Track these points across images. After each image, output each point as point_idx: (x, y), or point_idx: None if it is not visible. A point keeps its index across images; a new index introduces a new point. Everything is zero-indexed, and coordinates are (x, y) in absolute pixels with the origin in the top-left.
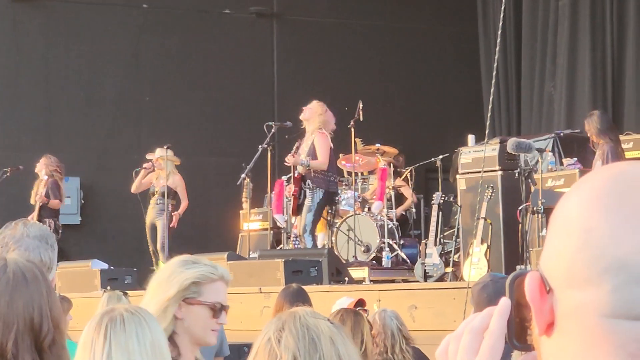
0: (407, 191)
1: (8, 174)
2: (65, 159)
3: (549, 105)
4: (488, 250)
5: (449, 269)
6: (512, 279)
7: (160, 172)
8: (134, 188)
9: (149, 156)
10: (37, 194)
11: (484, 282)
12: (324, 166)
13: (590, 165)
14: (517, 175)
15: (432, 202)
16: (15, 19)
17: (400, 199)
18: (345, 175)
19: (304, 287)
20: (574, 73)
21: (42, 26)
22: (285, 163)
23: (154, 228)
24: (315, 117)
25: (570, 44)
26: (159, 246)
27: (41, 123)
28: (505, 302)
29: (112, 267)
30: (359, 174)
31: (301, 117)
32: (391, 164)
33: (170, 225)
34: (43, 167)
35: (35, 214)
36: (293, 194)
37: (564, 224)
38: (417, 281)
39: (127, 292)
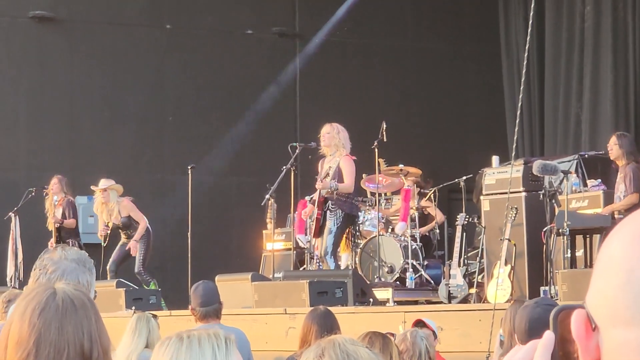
0: (434, 211)
1: (33, 193)
2: (88, 178)
3: (575, 126)
4: (512, 271)
5: (473, 290)
6: (556, 313)
7: (108, 205)
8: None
9: (94, 187)
10: (52, 216)
11: (529, 305)
12: (350, 189)
13: (613, 186)
14: (541, 196)
15: (456, 223)
16: (40, 39)
17: (426, 219)
18: (369, 195)
19: (329, 308)
20: (597, 94)
21: (66, 46)
22: (316, 187)
23: (126, 251)
24: (334, 139)
25: (593, 65)
26: (136, 270)
27: (65, 143)
28: (549, 336)
29: (136, 287)
30: (383, 195)
31: (322, 145)
32: (416, 184)
33: (131, 254)
34: (57, 189)
35: (53, 237)
36: (317, 217)
37: (607, 263)
38: (441, 302)
39: (156, 314)
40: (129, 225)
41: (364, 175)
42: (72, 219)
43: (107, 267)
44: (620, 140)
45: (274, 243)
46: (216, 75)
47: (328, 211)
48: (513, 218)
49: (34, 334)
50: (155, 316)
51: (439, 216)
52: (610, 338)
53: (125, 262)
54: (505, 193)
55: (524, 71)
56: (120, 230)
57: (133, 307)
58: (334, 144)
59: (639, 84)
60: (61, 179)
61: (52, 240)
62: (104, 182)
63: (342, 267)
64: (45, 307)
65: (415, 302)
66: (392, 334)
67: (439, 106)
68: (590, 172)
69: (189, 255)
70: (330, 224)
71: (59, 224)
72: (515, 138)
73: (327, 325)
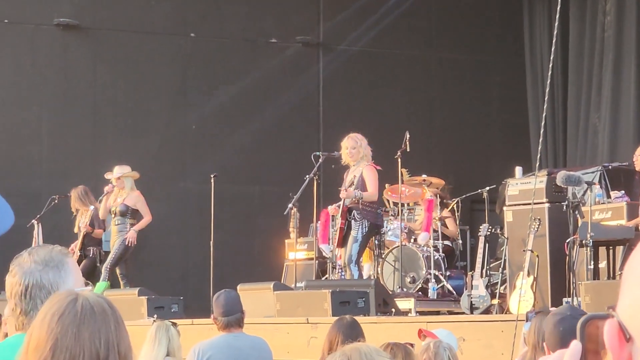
0: (452, 223)
1: (56, 201)
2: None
3: (594, 137)
4: (534, 282)
5: (495, 301)
6: (583, 323)
7: (120, 191)
8: (101, 214)
9: (107, 175)
10: (82, 224)
11: (562, 314)
12: (375, 197)
13: (637, 198)
14: (564, 207)
15: (479, 233)
16: (64, 47)
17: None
18: (391, 205)
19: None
20: (619, 105)
21: (91, 54)
22: (340, 196)
23: (118, 251)
24: (359, 153)
25: (615, 75)
26: (105, 264)
27: (88, 151)
28: (576, 346)
29: (157, 296)
30: (405, 205)
31: (350, 159)
32: (437, 195)
33: (127, 243)
34: (80, 201)
35: (79, 242)
36: (340, 227)
37: None
38: (463, 313)
39: (175, 322)
40: (124, 213)
41: (386, 185)
42: (100, 229)
43: (119, 275)
44: None
45: (296, 252)
46: (239, 83)
47: (353, 220)
48: (536, 229)
49: (51, 340)
50: (175, 324)
51: (454, 229)
52: None
53: (122, 261)
54: (529, 204)
55: (548, 82)
56: (114, 216)
57: (155, 316)
58: (360, 155)
59: None
60: (75, 190)
61: (75, 245)
62: (118, 170)
63: (364, 277)
64: (64, 313)
65: (437, 313)
66: (412, 344)
67: (463, 117)
68: (613, 183)
69: (211, 264)
70: (356, 232)
71: (87, 232)
72: (539, 149)
73: (353, 335)
